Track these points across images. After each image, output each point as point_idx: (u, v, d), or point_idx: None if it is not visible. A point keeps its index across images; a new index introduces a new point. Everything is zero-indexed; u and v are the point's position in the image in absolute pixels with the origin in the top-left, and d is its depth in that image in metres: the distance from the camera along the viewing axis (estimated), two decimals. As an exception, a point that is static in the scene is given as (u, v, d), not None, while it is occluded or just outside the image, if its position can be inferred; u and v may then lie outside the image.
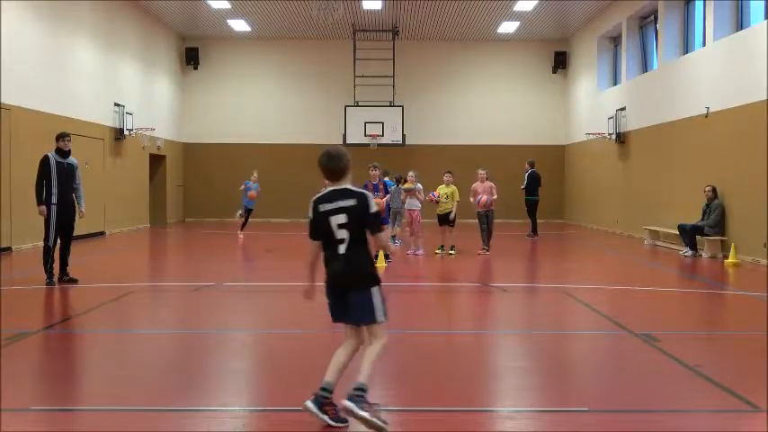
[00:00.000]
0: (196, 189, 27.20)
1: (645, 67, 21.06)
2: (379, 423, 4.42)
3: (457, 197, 15.17)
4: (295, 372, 6.07)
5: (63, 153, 10.47)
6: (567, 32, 26.25)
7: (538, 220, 20.28)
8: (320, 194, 4.75)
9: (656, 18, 19.59)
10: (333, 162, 4.67)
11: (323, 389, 4.60)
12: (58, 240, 10.52)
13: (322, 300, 4.84)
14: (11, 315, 8.27)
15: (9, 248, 15.01)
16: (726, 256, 14.12)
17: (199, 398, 5.35)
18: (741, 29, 15.31)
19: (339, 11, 21.37)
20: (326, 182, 4.79)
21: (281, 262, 14.57)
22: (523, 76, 27.44)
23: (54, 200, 10.31)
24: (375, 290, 4.61)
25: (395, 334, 7.66)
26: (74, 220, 10.71)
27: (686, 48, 18.15)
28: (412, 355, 6.68)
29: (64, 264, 10.65)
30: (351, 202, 4.59)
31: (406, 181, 15.50)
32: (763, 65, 13.48)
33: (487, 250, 15.39)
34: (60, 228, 10.46)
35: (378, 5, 22.30)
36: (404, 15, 23.75)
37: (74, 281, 10.56)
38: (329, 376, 4.65)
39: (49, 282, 10.36)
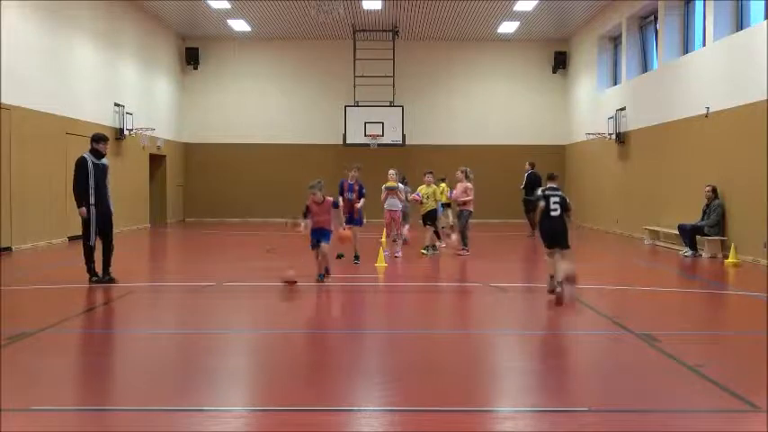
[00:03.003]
0: (196, 189, 27.19)
1: (645, 67, 21.05)
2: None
3: (438, 196, 15.42)
4: (295, 372, 6.07)
5: (99, 155, 10.67)
6: (567, 32, 26.24)
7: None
8: (547, 189, 9.77)
9: (656, 18, 19.58)
10: (557, 176, 10.16)
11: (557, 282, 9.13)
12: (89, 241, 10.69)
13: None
14: (11, 315, 8.27)
15: (9, 248, 15.01)
16: (726, 256, 14.11)
17: (199, 398, 5.36)
18: (741, 29, 15.30)
19: (339, 10, 21.35)
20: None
21: (281, 262, 14.53)
22: (523, 76, 27.42)
23: (92, 201, 10.53)
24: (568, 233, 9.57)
25: (395, 334, 7.68)
26: (111, 219, 10.90)
27: (686, 48, 18.14)
28: (412, 355, 6.68)
29: (107, 264, 10.77)
30: (560, 193, 9.63)
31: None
32: (763, 65, 13.48)
33: (466, 250, 14.98)
34: (99, 228, 10.66)
35: (378, 5, 22.29)
36: (404, 15, 23.74)
37: (113, 281, 10.67)
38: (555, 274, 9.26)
39: (97, 279, 10.59)
